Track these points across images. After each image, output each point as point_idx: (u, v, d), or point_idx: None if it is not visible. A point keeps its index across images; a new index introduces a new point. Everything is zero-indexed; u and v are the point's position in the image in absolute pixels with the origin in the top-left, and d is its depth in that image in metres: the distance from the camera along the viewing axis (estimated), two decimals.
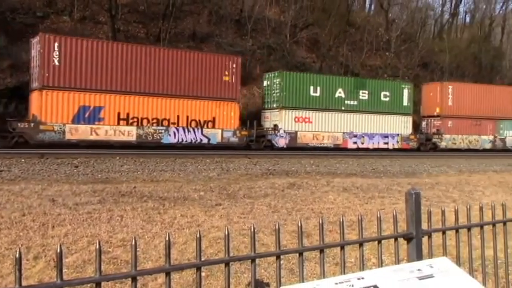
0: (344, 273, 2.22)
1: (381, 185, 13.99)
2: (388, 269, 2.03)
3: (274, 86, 29.09)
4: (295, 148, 27.72)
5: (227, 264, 2.15)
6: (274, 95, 29.05)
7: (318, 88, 29.65)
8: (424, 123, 36.05)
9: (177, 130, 25.33)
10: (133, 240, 1.84)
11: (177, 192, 11.38)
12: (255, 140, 27.69)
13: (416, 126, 35.48)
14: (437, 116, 34.87)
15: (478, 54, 51.65)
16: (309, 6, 42.76)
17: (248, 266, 5.75)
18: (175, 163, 18.35)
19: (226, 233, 2.18)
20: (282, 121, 28.30)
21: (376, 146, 31.18)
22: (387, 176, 16.66)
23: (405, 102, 32.65)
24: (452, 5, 56.72)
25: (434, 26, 56.05)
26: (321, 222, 2.52)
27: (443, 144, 33.88)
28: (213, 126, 26.30)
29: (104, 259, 5.76)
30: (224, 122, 26.62)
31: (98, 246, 1.73)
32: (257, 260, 2.39)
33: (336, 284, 1.91)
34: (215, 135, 26.26)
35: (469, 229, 3.24)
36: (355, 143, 30.72)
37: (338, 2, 45.54)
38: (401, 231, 2.80)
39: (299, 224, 2.43)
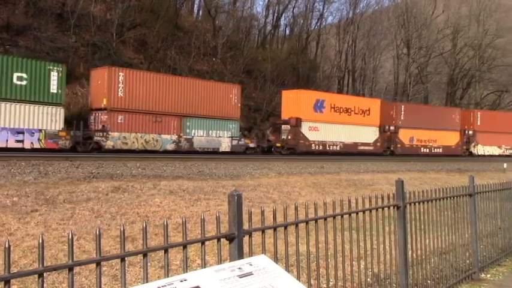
0: (168, 276, 2.20)
1: (207, 187, 14.28)
2: (211, 269, 2.06)
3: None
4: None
5: (41, 275, 2.00)
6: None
7: None
8: (92, 118, 28.98)
9: None
10: None
11: None
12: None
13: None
14: (105, 109, 28.02)
15: (296, 65, 55.71)
16: (137, 6, 41.97)
17: (67, 275, 5.42)
18: None
19: (41, 241, 2.02)
20: None
21: (3, 145, 23.41)
22: (213, 178, 17.06)
23: (54, 89, 25.46)
24: (274, 17, 60.48)
25: (258, 36, 59.08)
26: (144, 226, 2.47)
27: (109, 144, 27.46)
28: None
29: None
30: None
31: None
32: (77, 268, 2.24)
33: (159, 287, 1.89)
34: None
35: (285, 227, 3.46)
36: None
37: (167, 5, 45.49)
38: (224, 232, 2.87)
39: (121, 229, 2.35)
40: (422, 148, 44.80)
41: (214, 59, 46.48)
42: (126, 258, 2.37)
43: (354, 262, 4.29)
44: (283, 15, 61.53)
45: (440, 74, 70.43)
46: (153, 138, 29.34)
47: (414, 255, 5.37)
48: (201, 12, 56.21)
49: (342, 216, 4.17)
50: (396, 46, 67.40)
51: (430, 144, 45.52)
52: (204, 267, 2.31)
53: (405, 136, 43.36)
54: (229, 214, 2.89)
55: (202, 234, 2.76)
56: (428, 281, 5.65)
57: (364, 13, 65.12)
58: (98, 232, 2.23)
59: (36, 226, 8.25)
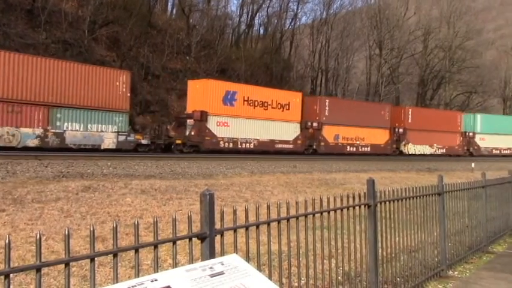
0: (138, 277, 2.19)
1: (179, 186, 14.20)
2: (182, 269, 2.06)
3: None
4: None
5: (7, 276, 1.96)
6: None
7: None
8: None
9: None
10: None
11: None
12: None
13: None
14: None
15: (270, 64, 55.85)
16: (109, 3, 41.40)
17: (35, 277, 5.32)
18: None
19: (7, 241, 1.98)
20: None
21: None
22: (185, 177, 16.98)
23: None
24: (249, 17, 60.47)
25: (232, 35, 58.97)
26: (115, 225, 2.45)
27: None
28: None
29: None
30: None
31: None
32: (45, 269, 2.21)
33: (129, 287, 1.87)
34: None
35: (257, 227, 3.47)
36: None
37: (140, 2, 45.03)
38: (196, 232, 2.86)
39: (91, 229, 2.33)
40: (348, 147, 41.31)
41: (188, 57, 46.21)
42: (96, 259, 2.35)
43: (325, 260, 4.33)
44: (258, 14, 61.58)
45: (411, 74, 71.53)
46: (7, 132, 23.71)
47: (384, 253, 5.45)
48: (174, 11, 55.87)
49: (313, 215, 4.20)
50: (369, 47, 68.16)
51: (358, 142, 42.12)
52: (176, 267, 2.31)
53: (330, 133, 39.69)
54: (201, 213, 2.88)
55: (174, 233, 2.75)
56: (398, 279, 5.74)
57: (337, 14, 65.65)
58: (67, 232, 2.20)
59: (3, 226, 8.08)
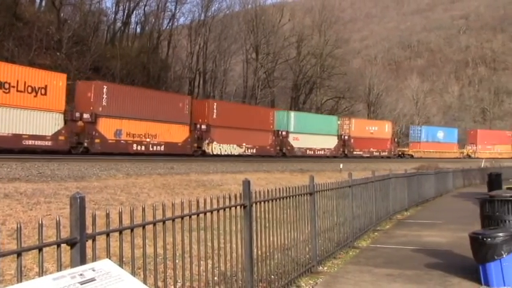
0: None
1: (48, 189, 13.38)
2: (49, 278, 1.93)
3: None
4: None
5: None
6: None
7: None
8: None
9: None
10: None
11: None
12: None
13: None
14: None
15: (147, 64, 54.72)
16: None
17: None
18: None
19: None
20: None
21: None
22: (55, 180, 16.03)
23: None
24: (125, 14, 58.72)
25: (107, 32, 56.88)
26: None
27: None
28: None
29: None
30: None
31: None
32: None
33: None
34: None
35: (132, 230, 3.38)
36: None
37: None
38: (65, 237, 2.71)
39: None
40: (135, 145, 33.61)
41: (58, 53, 43.73)
42: None
43: (201, 262, 4.34)
44: (134, 12, 60.06)
45: (286, 79, 74.33)
46: None
47: (259, 252, 5.59)
48: (44, 3, 52.50)
49: (190, 216, 4.19)
50: (246, 51, 69.62)
51: (148, 140, 34.46)
52: (43, 276, 2.16)
53: (108, 128, 31.94)
54: (71, 218, 2.74)
55: (40, 240, 2.57)
56: (272, 276, 5.92)
57: (215, 16, 66.16)
58: None
59: None
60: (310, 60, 75.01)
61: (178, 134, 37.08)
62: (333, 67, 75.76)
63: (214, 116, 39.96)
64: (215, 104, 41.89)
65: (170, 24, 63.81)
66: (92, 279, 1.98)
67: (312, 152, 50.54)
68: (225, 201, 4.81)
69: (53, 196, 12.41)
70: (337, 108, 77.40)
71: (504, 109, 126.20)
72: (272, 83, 71.36)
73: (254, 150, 43.87)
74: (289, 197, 6.54)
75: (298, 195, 6.87)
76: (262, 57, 69.15)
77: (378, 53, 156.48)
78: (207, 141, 39.43)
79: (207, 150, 39.27)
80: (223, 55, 66.22)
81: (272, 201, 5.99)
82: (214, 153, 39.74)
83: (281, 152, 46.86)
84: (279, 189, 6.28)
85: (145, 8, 60.37)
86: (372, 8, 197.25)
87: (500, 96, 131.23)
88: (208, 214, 4.48)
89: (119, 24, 58.52)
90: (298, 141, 48.81)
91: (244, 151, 43.03)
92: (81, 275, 2.00)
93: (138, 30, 62.88)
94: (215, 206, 4.59)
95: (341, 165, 33.29)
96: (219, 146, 40.51)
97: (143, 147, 34.37)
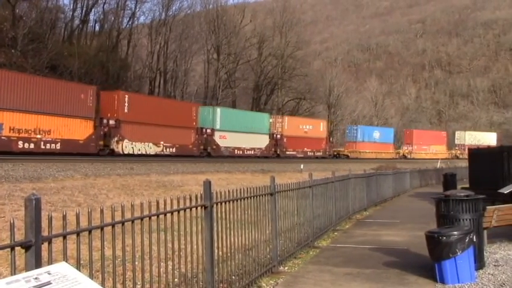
0: None
1: (2, 191, 12.97)
2: (2, 282, 1.87)
3: None
4: None
5: None
6: None
7: None
8: None
9: None
10: None
11: None
12: None
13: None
14: None
15: (106, 63, 53.72)
16: None
17: None
18: None
19: None
20: None
21: None
22: (10, 181, 15.55)
23: None
24: (83, 12, 57.47)
25: (64, 30, 55.54)
26: None
27: None
28: None
29: None
30: None
31: None
32: None
33: None
34: None
35: (90, 232, 3.30)
36: None
37: None
38: (20, 240, 2.63)
39: None
40: (20, 142, 28.17)
41: (13, 50, 42.43)
42: None
43: (162, 263, 4.29)
44: (93, 10, 58.88)
45: (247, 80, 74.39)
46: None
47: (220, 253, 5.58)
48: None
49: (150, 217, 4.14)
50: (207, 51, 69.33)
51: (39, 136, 29.18)
52: None
53: None
54: (26, 220, 2.65)
55: None
56: (233, 277, 5.91)
57: (176, 16, 65.59)
58: None
59: None
60: (272, 61, 75.32)
61: (80, 130, 31.90)
62: (294, 68, 76.26)
63: (126, 110, 34.98)
64: (126, 96, 36.44)
65: (130, 22, 62.88)
66: (48, 283, 1.92)
67: (241, 152, 46.58)
68: (186, 201, 4.77)
69: (7, 198, 12.04)
70: (298, 109, 77.98)
71: (459, 111, 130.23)
72: (233, 84, 71.29)
73: (174, 150, 39.32)
74: (251, 198, 6.54)
75: (259, 196, 6.89)
76: (224, 58, 69.00)
77: (338, 55, 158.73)
78: (116, 139, 34.50)
79: (116, 149, 34.53)
80: (184, 55, 65.71)
81: (233, 201, 5.98)
82: (126, 152, 35.13)
83: (206, 152, 42.57)
84: (241, 189, 6.27)
85: (105, 6, 59.31)
86: (332, 11, 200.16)
87: (455, 98, 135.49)
88: (169, 215, 4.43)
89: (77, 21, 57.24)
90: (226, 140, 44.72)
91: (162, 150, 38.53)
92: (36, 278, 1.94)
93: (97, 28, 61.66)
94: (175, 207, 4.55)
95: (302, 166, 33.64)
96: (131, 144, 35.73)
97: (32, 145, 28.94)
